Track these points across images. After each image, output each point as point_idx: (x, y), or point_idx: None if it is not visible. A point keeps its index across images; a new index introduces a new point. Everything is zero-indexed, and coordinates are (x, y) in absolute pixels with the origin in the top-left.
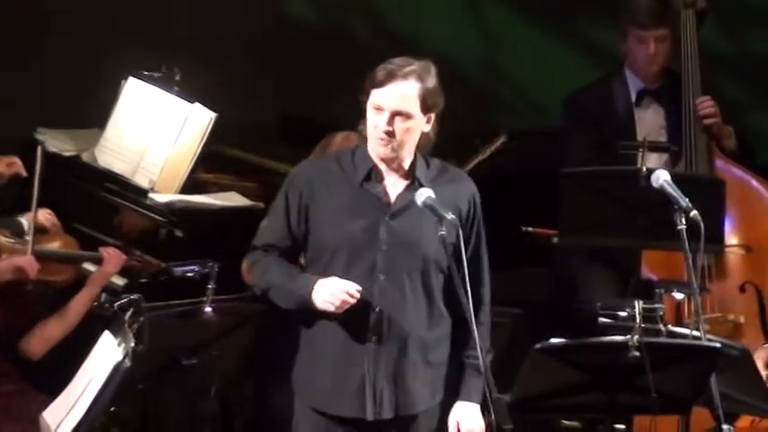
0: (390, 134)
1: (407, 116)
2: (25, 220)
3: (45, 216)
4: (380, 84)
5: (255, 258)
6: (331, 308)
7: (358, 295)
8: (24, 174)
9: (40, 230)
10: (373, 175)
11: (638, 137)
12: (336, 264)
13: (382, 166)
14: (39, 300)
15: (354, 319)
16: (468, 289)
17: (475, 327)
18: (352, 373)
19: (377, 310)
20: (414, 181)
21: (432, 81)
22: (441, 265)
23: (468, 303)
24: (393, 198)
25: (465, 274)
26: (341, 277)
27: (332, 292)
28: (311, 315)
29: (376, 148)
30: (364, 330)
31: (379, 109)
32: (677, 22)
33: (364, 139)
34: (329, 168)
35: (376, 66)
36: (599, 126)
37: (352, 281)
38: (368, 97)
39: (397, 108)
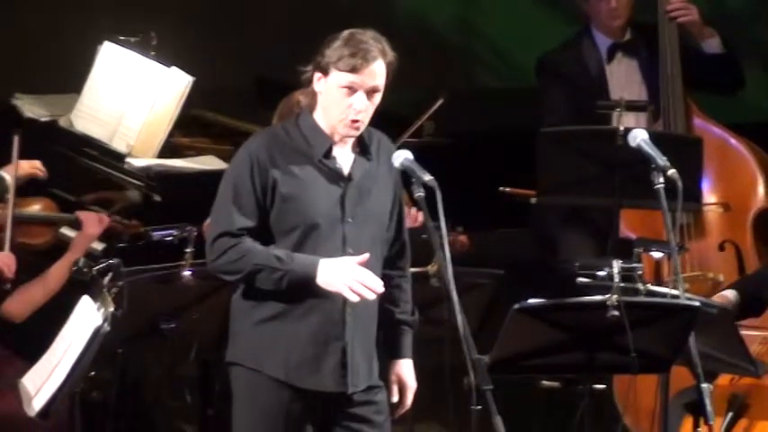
0: (364, 112)
1: (377, 91)
2: (7, 176)
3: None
4: (354, 69)
5: (227, 245)
6: (351, 295)
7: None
8: (43, 176)
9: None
10: (331, 150)
11: (611, 94)
12: (309, 242)
13: (332, 137)
14: (18, 263)
15: (331, 294)
16: (447, 247)
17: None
18: (335, 347)
19: None
20: (363, 149)
21: (390, 51)
22: (389, 231)
23: (448, 265)
24: (347, 169)
25: (444, 234)
26: (311, 254)
27: (355, 278)
28: (284, 290)
29: (346, 130)
30: (342, 304)
31: (352, 89)
32: None
33: (308, 109)
34: (284, 142)
35: (351, 27)
36: (572, 87)
37: (324, 257)
38: (325, 74)
39: (372, 85)
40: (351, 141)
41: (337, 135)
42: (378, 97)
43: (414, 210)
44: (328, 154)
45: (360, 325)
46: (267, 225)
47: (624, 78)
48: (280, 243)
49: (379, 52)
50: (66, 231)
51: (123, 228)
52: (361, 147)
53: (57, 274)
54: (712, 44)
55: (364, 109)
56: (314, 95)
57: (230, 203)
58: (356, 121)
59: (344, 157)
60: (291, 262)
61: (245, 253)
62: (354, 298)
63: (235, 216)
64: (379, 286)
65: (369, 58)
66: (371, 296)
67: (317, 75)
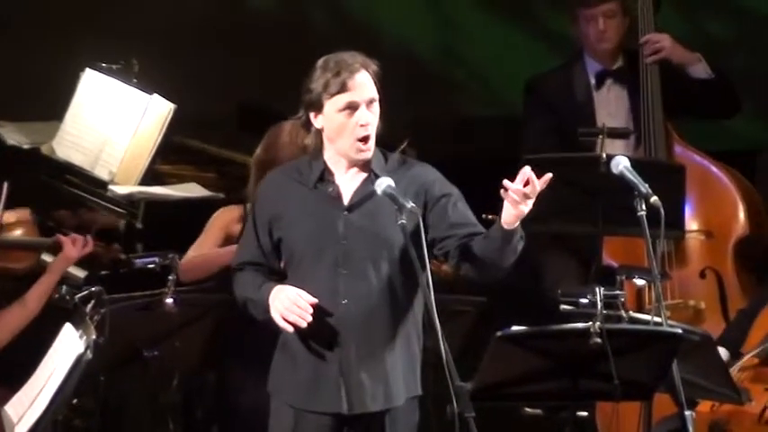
0: (371, 124)
1: (374, 101)
2: None
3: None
4: (342, 89)
5: (234, 279)
6: (286, 326)
7: (311, 309)
8: None
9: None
10: (325, 175)
11: (597, 120)
12: (304, 265)
13: (338, 165)
14: None
15: (324, 315)
16: (430, 276)
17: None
18: (329, 368)
19: (344, 302)
20: (370, 174)
21: (370, 60)
22: (405, 251)
23: (430, 292)
24: (350, 193)
25: (426, 261)
26: (307, 276)
27: (285, 306)
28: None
29: (357, 153)
30: (335, 325)
31: (351, 108)
32: (632, 5)
33: (315, 150)
34: (289, 177)
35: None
36: (558, 112)
37: (319, 279)
38: (319, 109)
39: (367, 97)
40: (359, 163)
41: (350, 160)
42: (376, 107)
43: None
44: (322, 178)
45: (364, 344)
46: (274, 260)
47: (613, 106)
48: (289, 270)
49: (360, 63)
50: (48, 258)
51: (103, 251)
52: (368, 169)
53: (35, 297)
54: (698, 69)
55: (370, 121)
56: (319, 135)
57: (241, 240)
58: (365, 139)
59: (347, 182)
60: (259, 292)
61: (239, 284)
62: (287, 327)
63: (242, 251)
64: (307, 316)
65: (352, 70)
66: (301, 323)
67: (312, 113)
